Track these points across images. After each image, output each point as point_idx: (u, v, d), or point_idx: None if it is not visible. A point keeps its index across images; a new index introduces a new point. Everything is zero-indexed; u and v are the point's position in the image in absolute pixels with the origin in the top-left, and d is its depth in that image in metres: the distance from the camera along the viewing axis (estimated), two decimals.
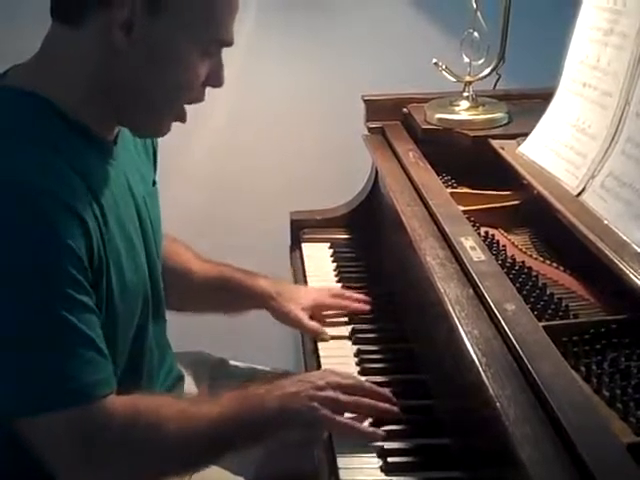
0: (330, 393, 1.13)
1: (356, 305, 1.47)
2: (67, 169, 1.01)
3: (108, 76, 1.04)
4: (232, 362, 1.55)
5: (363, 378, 1.25)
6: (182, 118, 1.12)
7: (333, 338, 1.40)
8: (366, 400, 1.15)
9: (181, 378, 1.40)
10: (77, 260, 0.99)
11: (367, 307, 1.47)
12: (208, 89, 1.12)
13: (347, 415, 1.14)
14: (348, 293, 1.50)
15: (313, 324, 1.42)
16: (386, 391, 1.18)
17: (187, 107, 1.13)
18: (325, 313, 1.47)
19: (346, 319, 1.45)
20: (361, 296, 1.49)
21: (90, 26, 1.02)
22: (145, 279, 1.18)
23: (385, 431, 1.13)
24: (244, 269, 1.49)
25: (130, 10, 1.00)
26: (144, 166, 1.27)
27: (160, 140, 1.36)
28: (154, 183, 1.30)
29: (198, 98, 1.11)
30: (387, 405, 1.16)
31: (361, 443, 1.11)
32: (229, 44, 1.09)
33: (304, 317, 1.43)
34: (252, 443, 1.15)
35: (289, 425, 1.13)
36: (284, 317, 1.44)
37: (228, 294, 1.47)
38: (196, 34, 1.05)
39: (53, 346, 0.98)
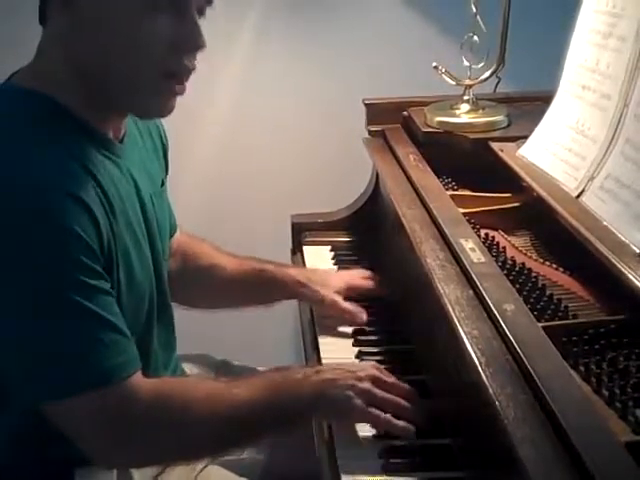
0: (368, 385, 1.14)
1: (380, 289, 1.50)
2: (73, 164, 1.02)
3: (78, 61, 1.05)
4: (235, 363, 1.56)
5: None
6: (180, 91, 1.08)
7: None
8: (402, 401, 1.15)
9: None
10: (87, 248, 0.99)
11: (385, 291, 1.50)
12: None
13: None
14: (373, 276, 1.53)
15: (350, 305, 1.43)
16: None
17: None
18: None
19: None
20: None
21: (51, 20, 1.04)
22: (151, 277, 1.18)
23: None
24: (271, 260, 1.50)
25: None
26: (153, 166, 1.27)
27: None
28: (163, 183, 1.30)
29: (179, 65, 1.05)
30: (419, 413, 1.15)
31: (362, 442, 1.12)
32: None
33: (340, 300, 1.43)
34: (285, 427, 1.15)
35: (323, 411, 1.14)
36: (319, 303, 1.45)
37: (261, 286, 1.48)
38: None
39: (73, 334, 0.99)
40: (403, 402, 1.15)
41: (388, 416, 1.12)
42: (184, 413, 1.08)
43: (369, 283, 1.50)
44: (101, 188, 1.05)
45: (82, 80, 1.06)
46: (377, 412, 1.12)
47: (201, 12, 1.07)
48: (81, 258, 0.99)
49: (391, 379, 1.18)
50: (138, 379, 1.05)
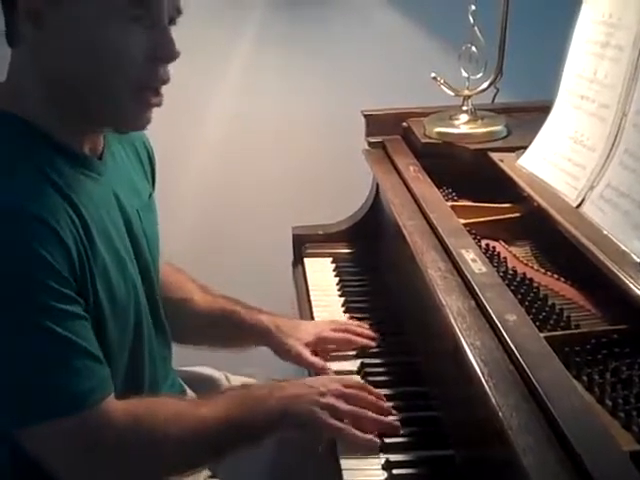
0: (331, 400, 1.14)
1: (361, 340, 1.41)
2: (43, 185, 1.01)
3: (52, 78, 1.04)
4: (233, 377, 1.55)
5: None
6: (157, 103, 1.07)
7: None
8: (365, 413, 1.15)
9: (183, 393, 1.40)
10: (53, 271, 0.98)
11: (372, 343, 1.40)
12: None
13: None
14: (353, 326, 1.44)
15: (314, 360, 1.37)
16: (387, 404, 1.18)
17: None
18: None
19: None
20: (366, 330, 1.43)
21: (20, 38, 1.02)
22: (137, 292, 1.17)
23: (389, 443, 1.13)
24: (245, 303, 1.45)
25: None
26: (139, 180, 1.26)
27: (159, 155, 1.37)
28: (150, 195, 1.29)
29: (154, 76, 1.05)
30: (387, 420, 1.16)
31: (365, 454, 1.11)
32: (155, 6, 1.03)
33: (305, 353, 1.38)
34: (251, 444, 1.15)
35: (288, 427, 1.13)
36: (285, 354, 1.40)
37: (229, 329, 1.44)
38: (107, 2, 1.00)
39: (43, 359, 0.98)
40: (368, 413, 1.15)
41: (351, 429, 1.12)
42: (152, 434, 1.07)
43: (342, 336, 1.41)
44: (74, 208, 1.03)
45: (54, 97, 1.05)
46: (340, 425, 1.12)
47: (172, 21, 1.07)
48: (49, 282, 0.97)
49: (352, 390, 1.18)
50: (110, 403, 1.04)
